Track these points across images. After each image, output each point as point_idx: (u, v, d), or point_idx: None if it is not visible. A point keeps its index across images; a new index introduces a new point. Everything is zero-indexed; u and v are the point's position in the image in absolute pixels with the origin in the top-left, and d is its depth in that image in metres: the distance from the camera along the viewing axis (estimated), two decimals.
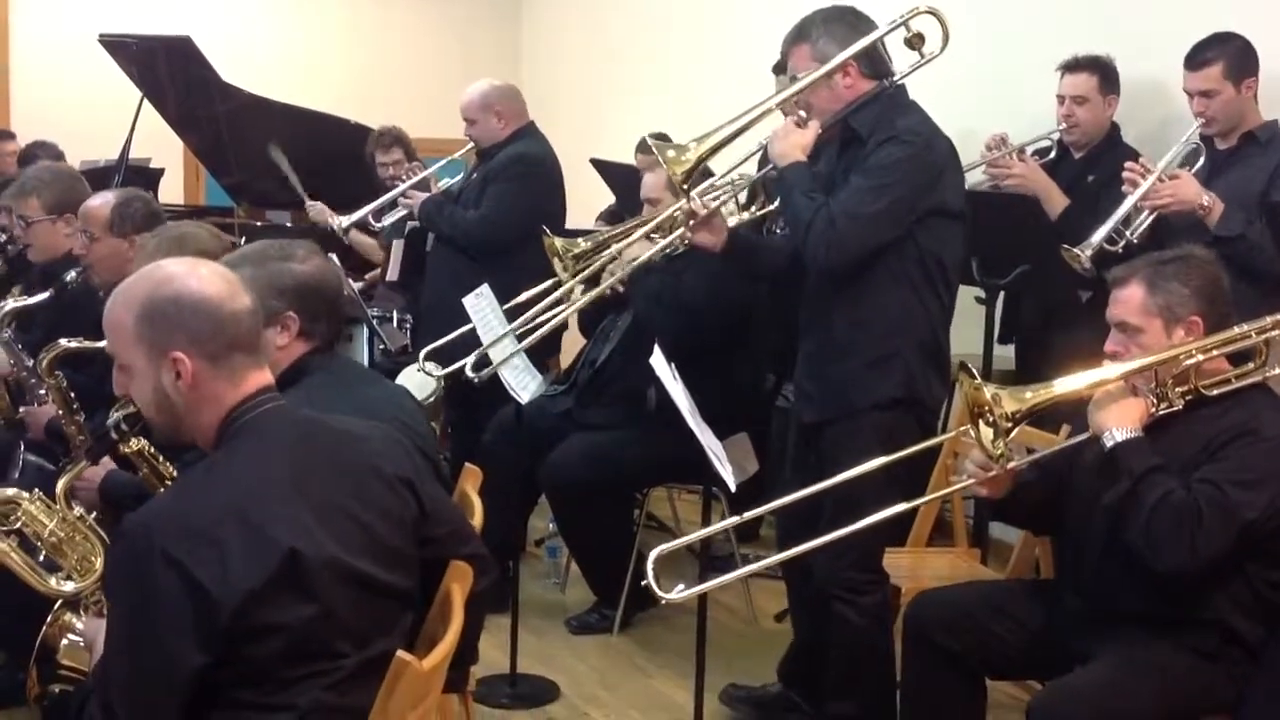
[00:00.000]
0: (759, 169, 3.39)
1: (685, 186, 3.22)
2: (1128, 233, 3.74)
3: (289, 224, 6.33)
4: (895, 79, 3.23)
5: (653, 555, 2.82)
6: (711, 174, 3.64)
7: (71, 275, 3.73)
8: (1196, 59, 3.80)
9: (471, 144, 4.98)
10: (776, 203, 4.31)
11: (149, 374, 2.03)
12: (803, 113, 3.22)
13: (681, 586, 2.76)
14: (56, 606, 2.43)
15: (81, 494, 3.05)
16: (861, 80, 3.20)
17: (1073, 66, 4.27)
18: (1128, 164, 3.78)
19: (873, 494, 2.89)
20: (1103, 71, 4.25)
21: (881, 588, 3.32)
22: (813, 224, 3.08)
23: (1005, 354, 4.49)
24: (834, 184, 3.20)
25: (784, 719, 3.67)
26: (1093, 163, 4.25)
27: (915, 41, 3.13)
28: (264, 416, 2.05)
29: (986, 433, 2.61)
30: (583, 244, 3.81)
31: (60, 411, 3.35)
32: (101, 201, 3.79)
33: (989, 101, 5.01)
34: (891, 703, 3.22)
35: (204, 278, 2.06)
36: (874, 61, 3.20)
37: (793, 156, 3.18)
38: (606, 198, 6.32)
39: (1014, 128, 4.44)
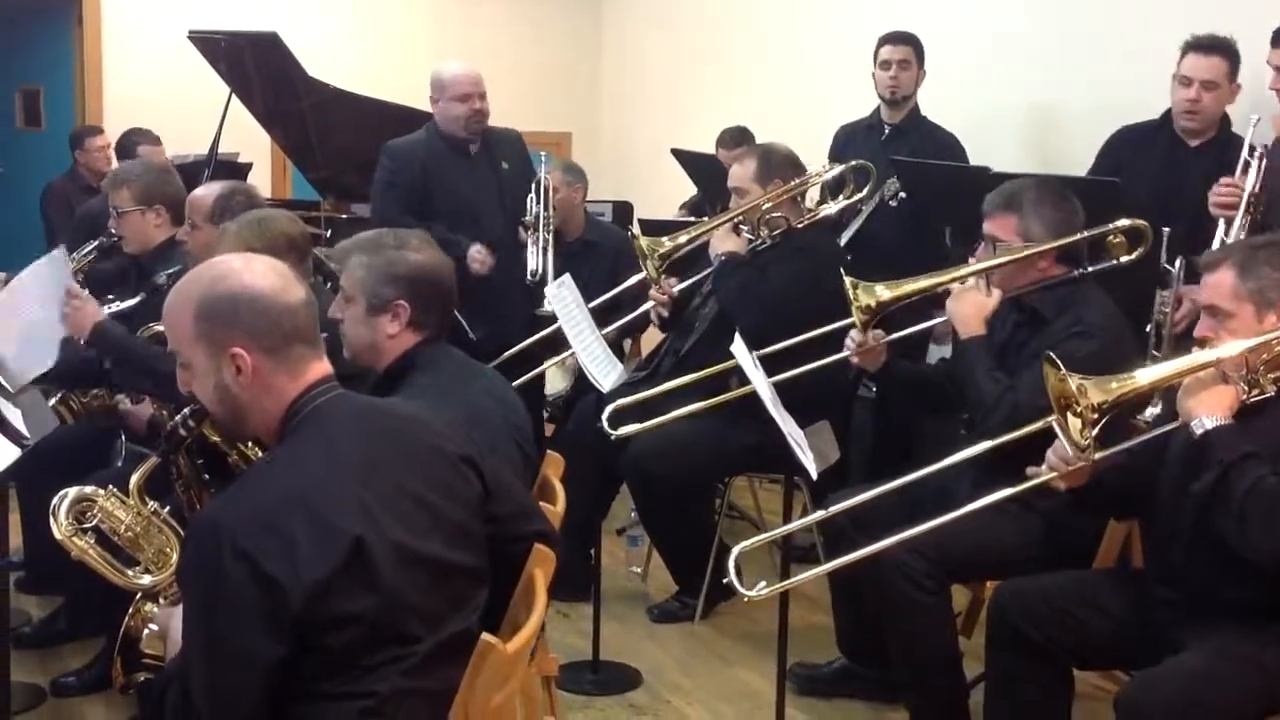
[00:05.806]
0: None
1: (868, 327, 3.35)
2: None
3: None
4: (1087, 270, 3.30)
5: (734, 553, 2.83)
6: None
7: (163, 279, 3.80)
8: None
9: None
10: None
11: (210, 371, 2.04)
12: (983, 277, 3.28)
13: (763, 584, 2.81)
14: (137, 598, 2.45)
15: None
16: (1055, 266, 3.30)
17: (1206, 47, 3.92)
18: (1217, 186, 3.61)
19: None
20: (1232, 56, 3.95)
21: (943, 590, 3.23)
22: (997, 408, 3.14)
23: None
24: (1007, 355, 3.28)
25: (850, 689, 3.74)
26: (1214, 160, 3.87)
27: (1118, 248, 3.26)
28: (325, 406, 2.05)
29: (1074, 423, 2.57)
30: (667, 243, 4.20)
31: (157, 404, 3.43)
32: (207, 191, 3.91)
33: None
34: (960, 671, 3.25)
35: (259, 272, 2.06)
36: (1071, 251, 3.29)
37: (974, 327, 3.27)
38: (685, 187, 6.32)
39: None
